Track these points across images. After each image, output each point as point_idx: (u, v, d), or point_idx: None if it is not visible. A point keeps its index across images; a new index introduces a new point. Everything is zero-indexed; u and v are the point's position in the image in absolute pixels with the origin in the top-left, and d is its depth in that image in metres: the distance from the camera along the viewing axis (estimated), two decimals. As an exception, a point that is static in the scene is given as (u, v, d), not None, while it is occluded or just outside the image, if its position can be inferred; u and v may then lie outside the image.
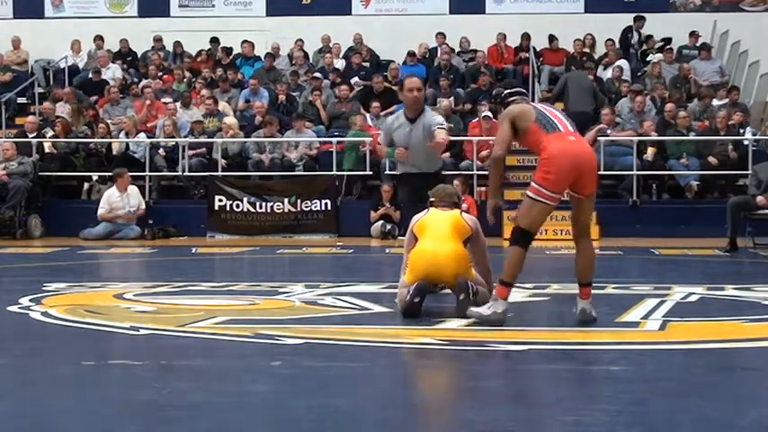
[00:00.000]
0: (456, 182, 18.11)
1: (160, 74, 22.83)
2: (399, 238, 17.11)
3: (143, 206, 18.34)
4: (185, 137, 19.63)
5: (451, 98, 21.29)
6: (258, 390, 5.64)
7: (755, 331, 7.55)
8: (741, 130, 19.32)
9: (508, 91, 8.33)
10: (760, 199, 15.11)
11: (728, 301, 9.35)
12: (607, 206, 18.13)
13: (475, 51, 23.48)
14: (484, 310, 7.71)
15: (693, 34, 23.30)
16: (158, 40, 24.40)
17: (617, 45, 23.29)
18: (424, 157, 9.97)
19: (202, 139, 19.61)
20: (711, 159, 18.41)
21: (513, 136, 7.92)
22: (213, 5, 25.40)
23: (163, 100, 21.25)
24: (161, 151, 19.59)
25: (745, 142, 18.63)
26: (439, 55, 23.16)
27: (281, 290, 9.95)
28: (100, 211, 18.05)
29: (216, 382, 5.91)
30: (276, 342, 6.96)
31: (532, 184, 7.71)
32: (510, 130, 7.88)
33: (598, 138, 18.41)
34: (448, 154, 19.08)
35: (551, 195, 7.61)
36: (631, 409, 5.13)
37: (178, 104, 20.82)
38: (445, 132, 9.79)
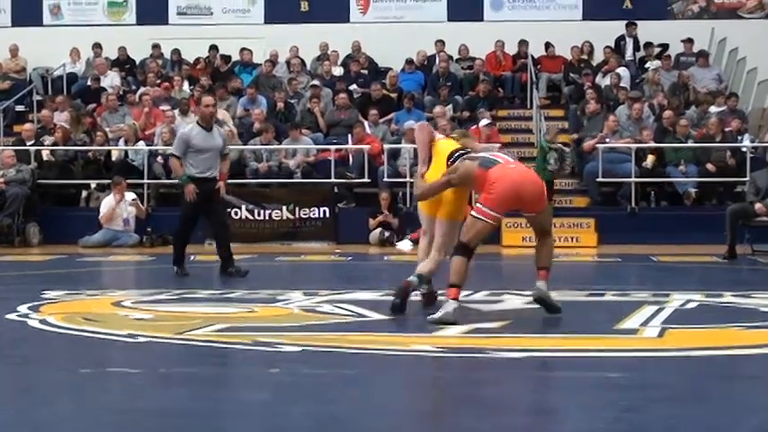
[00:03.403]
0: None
1: (158, 81, 22.82)
2: (398, 245, 17.16)
3: (136, 200, 18.32)
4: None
5: (450, 105, 21.29)
6: (256, 397, 5.64)
7: (754, 338, 7.56)
8: (739, 137, 19.33)
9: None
10: (758, 206, 15.11)
11: (727, 308, 9.35)
12: (606, 213, 18.16)
13: (473, 59, 23.49)
14: (437, 315, 8.10)
15: (691, 41, 23.32)
16: (156, 47, 24.39)
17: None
18: (214, 162, 12.34)
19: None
20: (709, 166, 18.42)
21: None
22: (212, 13, 25.39)
23: (161, 107, 21.23)
24: (159, 159, 19.57)
25: (743, 149, 18.64)
26: (437, 62, 23.17)
27: (279, 297, 9.95)
28: (101, 216, 18.04)
29: (214, 389, 5.91)
30: (274, 350, 6.96)
31: (476, 204, 8.54)
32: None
33: (597, 145, 18.52)
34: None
35: (492, 214, 8.41)
36: (629, 417, 5.14)
37: (176, 112, 20.80)
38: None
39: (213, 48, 24.08)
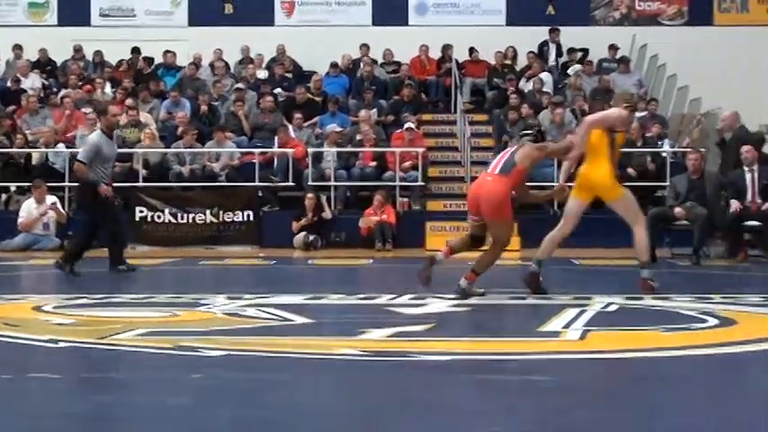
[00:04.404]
0: (377, 195, 18.18)
1: (80, 83, 22.56)
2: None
3: (58, 205, 18.10)
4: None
5: (374, 109, 21.32)
6: (179, 402, 5.58)
7: (674, 340, 7.64)
8: (659, 142, 19.59)
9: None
10: (678, 210, 15.32)
11: (647, 310, 9.45)
12: (528, 217, 18.26)
13: (398, 63, 23.57)
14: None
15: (612, 47, 23.61)
16: (78, 49, 24.10)
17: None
18: (112, 168, 13.62)
19: (122, 150, 19.38)
20: (630, 171, 18.63)
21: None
22: (134, 15, 25.16)
23: (83, 110, 20.99)
24: (81, 162, 19.31)
25: (663, 154, 18.88)
26: (362, 66, 23.20)
27: (202, 301, 9.86)
28: (20, 220, 17.84)
29: (136, 394, 5.84)
30: (197, 354, 6.90)
31: None
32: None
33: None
34: (375, 163, 19.22)
35: (469, 215, 10.37)
36: (553, 419, 5.17)
37: (98, 114, 20.56)
38: None
39: (135, 50, 23.85)
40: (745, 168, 15.63)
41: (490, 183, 10.14)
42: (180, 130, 20.01)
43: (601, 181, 10.52)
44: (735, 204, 15.32)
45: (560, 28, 24.02)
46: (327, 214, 18.35)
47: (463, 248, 10.48)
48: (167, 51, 23.71)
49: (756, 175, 15.56)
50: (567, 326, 8.21)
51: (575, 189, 10.76)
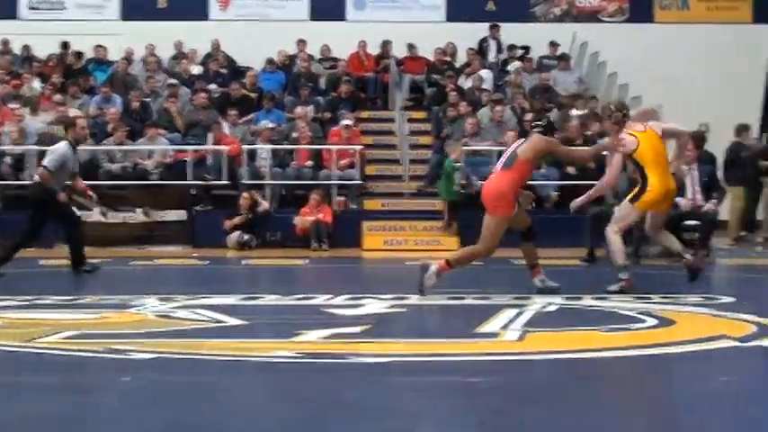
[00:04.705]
0: (314, 194, 17.97)
1: (7, 78, 22.11)
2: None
3: None
4: (33, 144, 18.99)
5: (311, 106, 21.10)
6: (107, 405, 5.49)
7: (613, 340, 7.60)
8: (599, 141, 19.54)
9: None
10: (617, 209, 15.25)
11: (586, 310, 9.42)
12: (467, 216, 18.17)
13: (335, 59, 23.36)
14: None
15: (553, 44, 23.60)
16: (6, 43, 23.63)
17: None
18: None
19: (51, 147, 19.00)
20: (570, 170, 18.59)
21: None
22: (65, 8, 24.70)
23: (10, 105, 20.54)
24: (7, 159, 18.94)
25: (604, 153, 18.82)
26: (298, 62, 22.99)
27: (132, 303, 9.68)
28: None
29: (65, 397, 5.72)
30: (126, 357, 6.79)
31: None
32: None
33: (462, 148, 18.56)
34: (311, 163, 19.01)
35: None
36: (492, 420, 5.11)
37: (26, 110, 20.20)
38: None
39: (65, 45, 23.43)
40: (684, 167, 15.61)
41: (493, 179, 10.43)
42: (110, 126, 19.65)
43: (675, 190, 10.95)
44: (683, 202, 15.25)
45: (500, 24, 23.95)
46: (264, 206, 18.09)
47: (530, 254, 10.84)
48: (98, 46, 23.32)
49: (696, 173, 15.56)
50: (505, 326, 8.16)
51: (653, 202, 10.61)
